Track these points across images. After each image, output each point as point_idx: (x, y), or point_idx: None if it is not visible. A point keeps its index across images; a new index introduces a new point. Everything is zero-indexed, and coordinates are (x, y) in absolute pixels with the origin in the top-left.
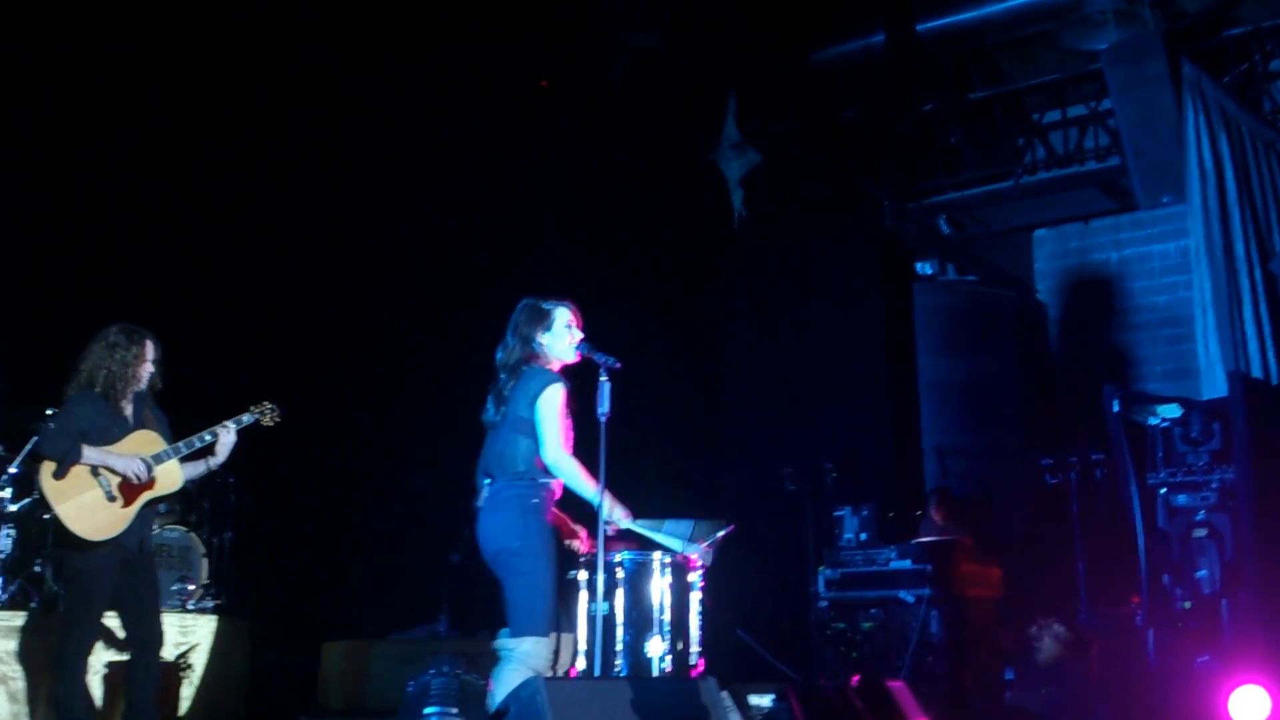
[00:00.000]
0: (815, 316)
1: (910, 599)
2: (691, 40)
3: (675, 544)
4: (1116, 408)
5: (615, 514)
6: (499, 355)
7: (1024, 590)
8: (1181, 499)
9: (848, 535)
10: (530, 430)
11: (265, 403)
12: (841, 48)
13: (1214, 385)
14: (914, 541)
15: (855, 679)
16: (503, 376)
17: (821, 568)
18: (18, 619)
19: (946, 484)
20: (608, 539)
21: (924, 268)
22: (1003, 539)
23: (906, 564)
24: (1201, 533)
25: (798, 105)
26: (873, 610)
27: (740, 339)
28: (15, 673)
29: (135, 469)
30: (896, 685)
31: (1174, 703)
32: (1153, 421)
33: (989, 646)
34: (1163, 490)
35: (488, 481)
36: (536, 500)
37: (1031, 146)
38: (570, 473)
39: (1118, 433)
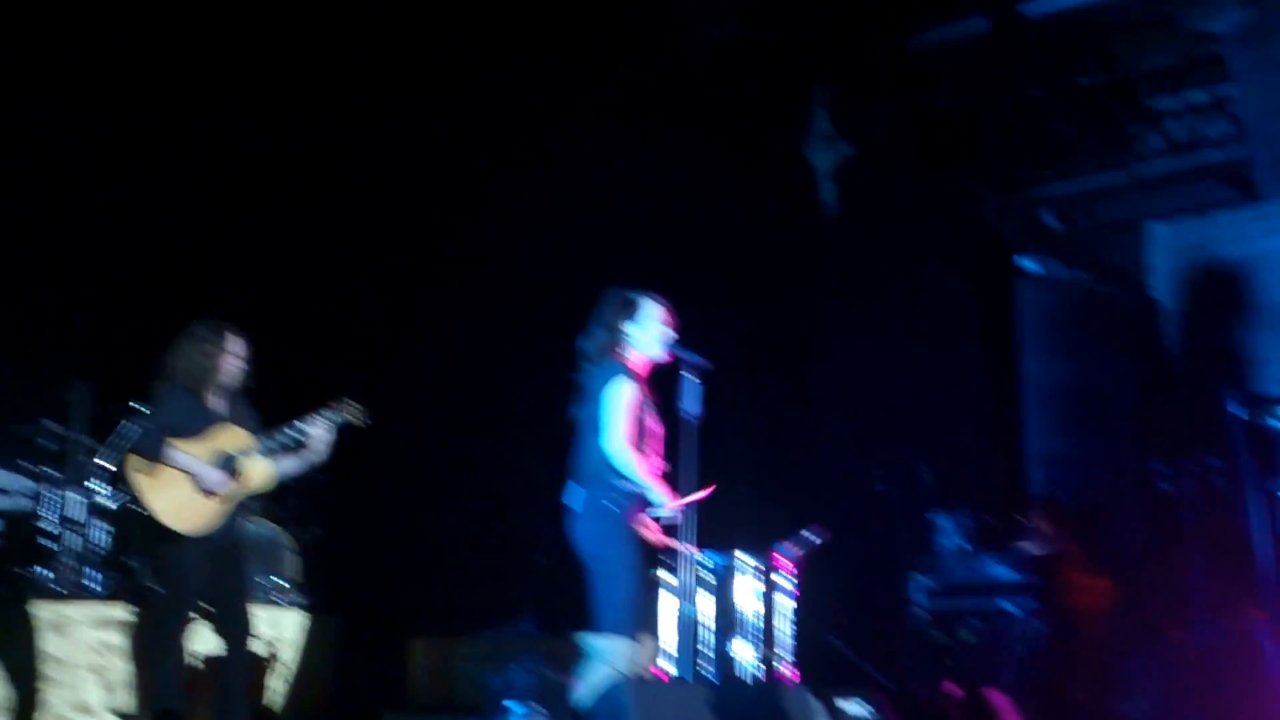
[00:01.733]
0: (912, 313)
1: (1013, 609)
2: (779, 27)
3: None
4: (1236, 410)
5: (666, 512)
6: (584, 345)
7: (1135, 602)
8: None
9: (944, 541)
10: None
11: (352, 401)
12: (940, 33)
13: None
14: (1017, 549)
15: (952, 688)
16: (584, 366)
17: (917, 575)
18: (112, 611)
19: (1052, 490)
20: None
21: (1028, 264)
22: (1113, 548)
23: (1009, 573)
24: None
25: (892, 94)
26: (973, 620)
27: (831, 336)
28: (109, 664)
29: (218, 482)
30: (998, 698)
31: None
32: (1275, 424)
33: (1097, 660)
34: None
35: (574, 484)
36: (616, 508)
37: (1146, 135)
38: (628, 466)
39: (1238, 436)
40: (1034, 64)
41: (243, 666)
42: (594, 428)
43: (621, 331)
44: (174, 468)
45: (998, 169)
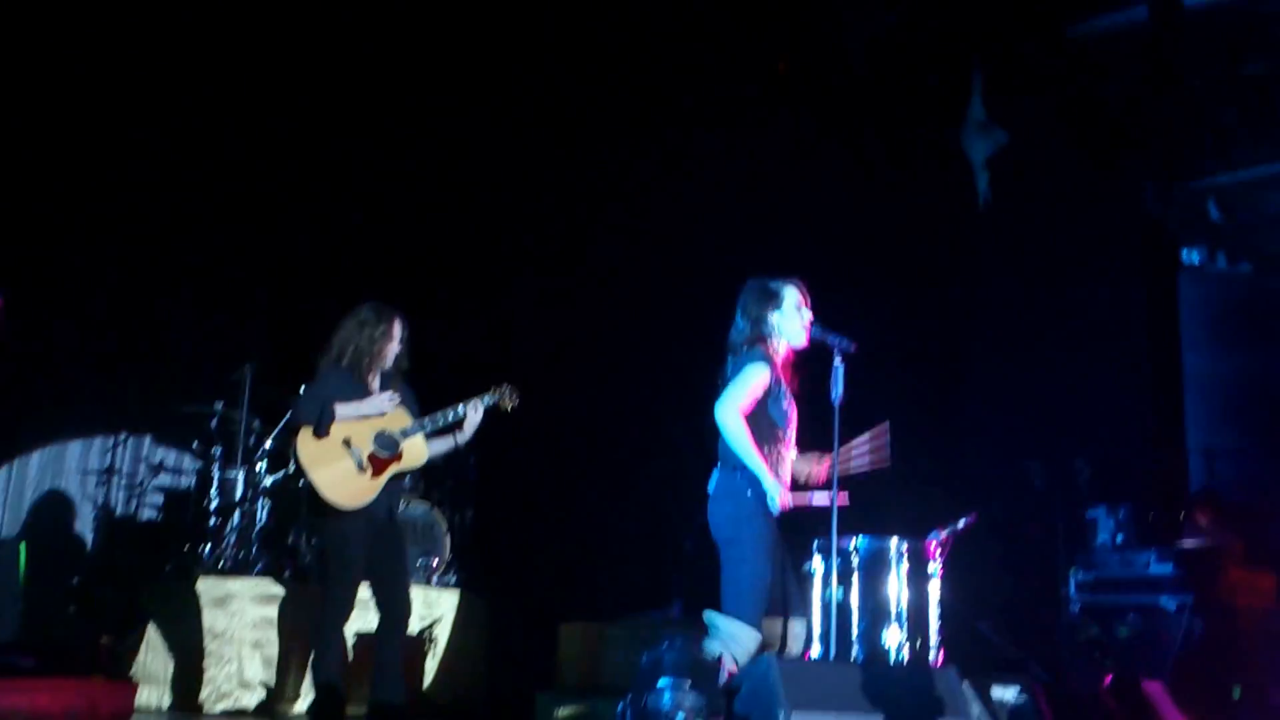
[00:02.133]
0: (1069, 306)
1: (1172, 606)
2: (935, 16)
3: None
4: None
5: (775, 496)
6: (730, 335)
7: None
8: None
9: (1103, 537)
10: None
11: (505, 385)
12: (1100, 21)
13: None
14: (1177, 545)
15: (1108, 678)
16: (730, 360)
17: (1073, 569)
18: (273, 588)
19: (1214, 486)
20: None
21: (1191, 256)
22: (1276, 545)
23: (1168, 569)
24: None
25: (1050, 83)
26: (1130, 616)
27: (985, 327)
28: (269, 639)
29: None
30: (1153, 687)
31: None
32: None
33: (1259, 657)
34: None
35: (716, 469)
36: (751, 493)
37: None
38: (735, 434)
39: None
40: (1195, 53)
41: (400, 643)
42: None
43: (765, 321)
44: (345, 419)
45: (1158, 160)
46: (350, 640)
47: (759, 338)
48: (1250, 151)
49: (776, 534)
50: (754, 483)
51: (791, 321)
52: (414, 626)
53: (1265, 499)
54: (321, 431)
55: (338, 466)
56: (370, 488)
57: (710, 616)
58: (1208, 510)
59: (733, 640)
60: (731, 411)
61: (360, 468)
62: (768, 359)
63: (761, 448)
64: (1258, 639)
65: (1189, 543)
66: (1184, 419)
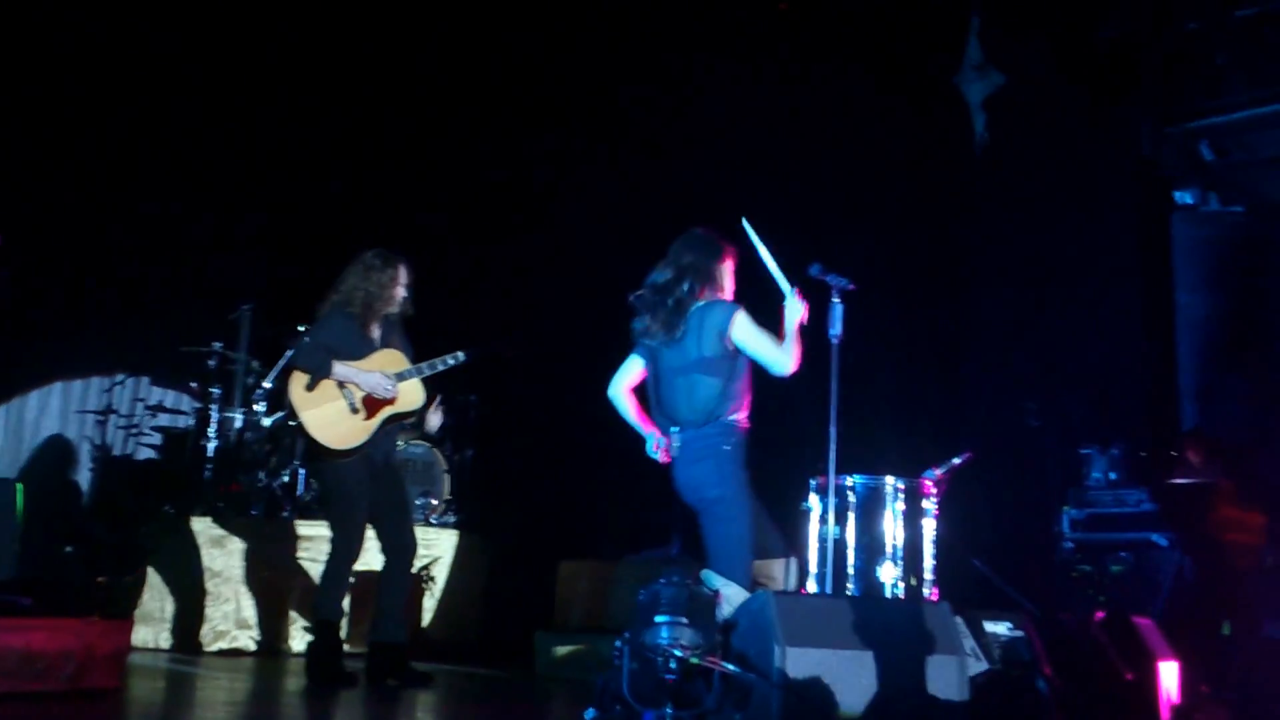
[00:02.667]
0: (1063, 247)
1: (1163, 542)
2: None
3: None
4: None
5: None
6: (664, 285)
7: None
8: None
9: (1096, 475)
10: (718, 369)
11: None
12: None
13: None
14: (1168, 483)
15: (1099, 614)
16: (668, 307)
17: (1067, 507)
18: (271, 528)
19: (1205, 425)
20: None
21: (1184, 197)
22: (1268, 484)
23: (1159, 506)
24: None
25: (1048, 24)
26: (1122, 553)
27: (982, 268)
28: (267, 579)
29: (382, 384)
30: (1144, 622)
31: None
32: None
33: (1250, 594)
34: None
35: (676, 430)
36: (729, 446)
37: None
38: (792, 362)
39: None
40: None
41: (404, 583)
42: (701, 367)
43: (709, 271)
44: (336, 380)
45: (1154, 101)
46: (350, 580)
47: (706, 286)
48: (1243, 93)
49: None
50: (729, 437)
51: (724, 276)
52: (414, 567)
53: (1255, 438)
54: (310, 386)
55: (330, 407)
56: (363, 429)
57: (708, 577)
58: (1199, 449)
59: (727, 602)
60: (783, 360)
61: (353, 409)
62: (734, 303)
63: (739, 382)
64: (1247, 575)
65: (1180, 481)
66: (1176, 359)
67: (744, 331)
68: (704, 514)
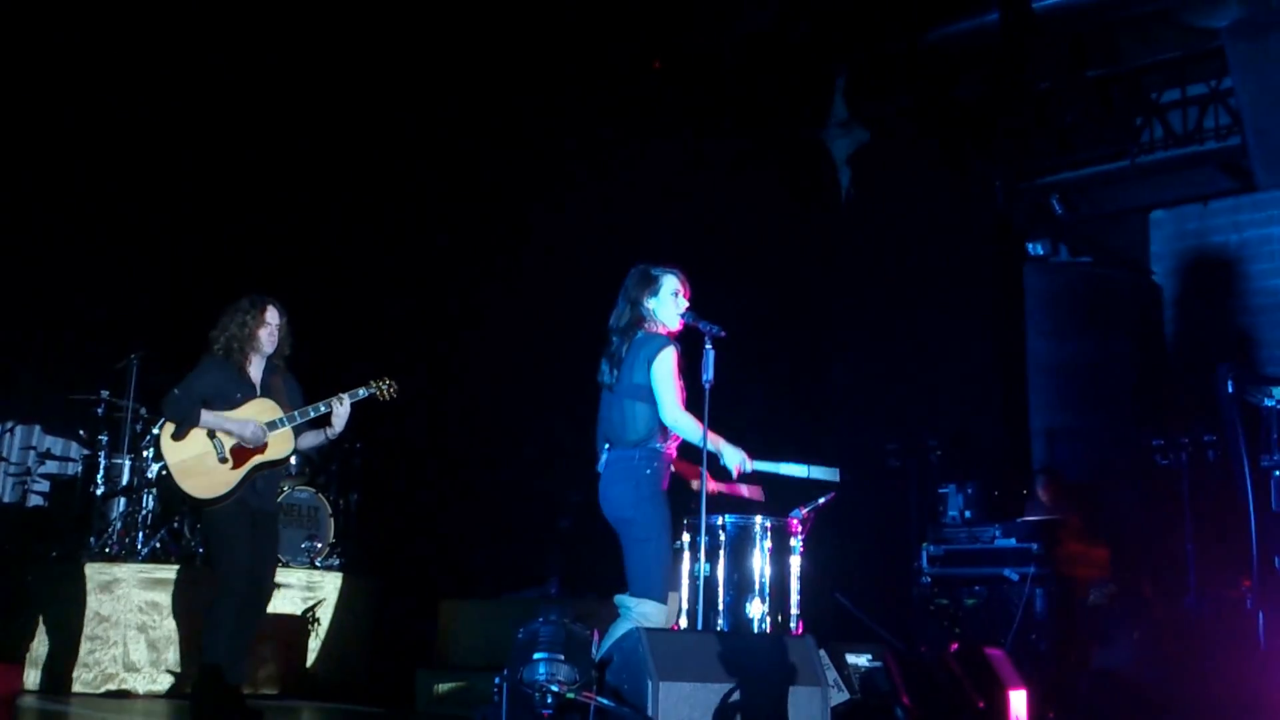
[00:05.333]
0: (923, 295)
1: (1015, 577)
2: (803, 19)
3: (800, 471)
4: (1230, 388)
5: (734, 459)
6: (610, 319)
7: (1132, 572)
8: None
9: (952, 512)
10: (646, 395)
11: (384, 378)
12: (955, 26)
13: None
14: (1020, 520)
15: (954, 646)
16: (615, 340)
17: (925, 544)
18: (158, 572)
19: (1055, 464)
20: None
21: (1035, 248)
22: (1112, 520)
23: (1011, 542)
24: None
25: (908, 84)
26: (976, 587)
27: (848, 316)
28: (154, 622)
29: (249, 432)
30: (995, 653)
31: None
32: (1268, 403)
33: (1093, 625)
34: (1277, 473)
35: (606, 447)
36: (650, 470)
37: (1149, 126)
38: (689, 430)
39: (1231, 413)
40: (1043, 57)
41: (252, 629)
42: (631, 392)
43: (642, 305)
44: (205, 428)
45: (1007, 157)
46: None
47: (638, 321)
48: (1091, 150)
49: (671, 512)
50: (650, 461)
51: (666, 307)
52: (298, 607)
53: (1101, 476)
54: (178, 435)
55: (199, 456)
56: (229, 479)
57: (621, 600)
58: (1047, 486)
59: (645, 620)
60: (677, 410)
61: (222, 459)
62: (671, 340)
63: (659, 422)
64: (1091, 608)
65: (1030, 517)
66: (1028, 401)
67: (660, 368)
68: (621, 534)
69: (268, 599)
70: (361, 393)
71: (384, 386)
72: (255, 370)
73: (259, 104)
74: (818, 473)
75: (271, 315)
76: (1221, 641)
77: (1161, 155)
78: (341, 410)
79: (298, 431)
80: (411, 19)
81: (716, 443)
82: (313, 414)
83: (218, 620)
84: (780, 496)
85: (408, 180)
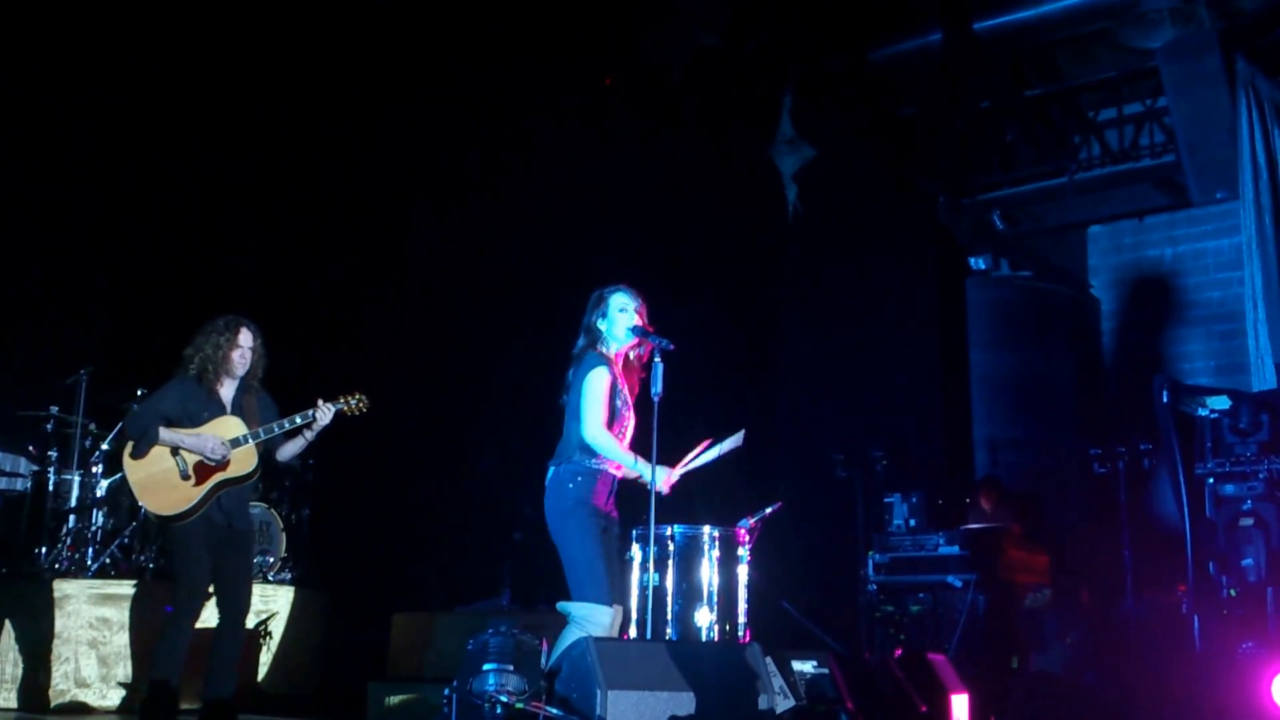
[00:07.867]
0: (868, 309)
1: (958, 584)
2: (751, 38)
3: (714, 452)
4: (1165, 398)
5: (660, 478)
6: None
7: (1072, 577)
8: (1229, 489)
9: (897, 521)
10: (576, 414)
11: (355, 393)
12: (898, 46)
13: (1264, 378)
14: (962, 528)
15: (898, 651)
16: (572, 370)
17: (871, 552)
18: (109, 588)
19: (996, 473)
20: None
21: (977, 263)
22: (1052, 528)
23: (955, 550)
24: (1248, 522)
25: (853, 102)
26: (921, 594)
27: (795, 330)
28: (105, 638)
29: (209, 448)
30: (937, 658)
31: (1218, 688)
32: (1201, 413)
33: (1033, 629)
34: (1210, 480)
35: (550, 462)
36: (573, 485)
37: (1087, 143)
38: (608, 448)
39: (1166, 423)
40: (984, 76)
41: (237, 642)
42: (570, 413)
43: (594, 327)
44: (166, 445)
45: (950, 174)
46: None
47: (590, 343)
48: (1031, 167)
49: (602, 523)
50: (575, 476)
51: (615, 324)
52: (250, 622)
53: (1041, 485)
54: (138, 453)
55: (161, 473)
56: (191, 495)
57: (563, 606)
58: (989, 495)
59: (589, 622)
60: (596, 429)
61: (184, 475)
62: (604, 360)
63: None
64: (1031, 613)
65: (973, 525)
66: (970, 412)
67: (585, 386)
68: (556, 544)
69: (245, 614)
70: (334, 407)
71: (353, 402)
72: (227, 391)
73: (204, 119)
74: (727, 444)
75: (245, 338)
76: (1158, 645)
77: (1099, 172)
78: (324, 419)
79: (275, 444)
80: (366, 30)
81: (638, 461)
82: (277, 430)
83: (172, 636)
84: (728, 507)
85: (359, 193)
